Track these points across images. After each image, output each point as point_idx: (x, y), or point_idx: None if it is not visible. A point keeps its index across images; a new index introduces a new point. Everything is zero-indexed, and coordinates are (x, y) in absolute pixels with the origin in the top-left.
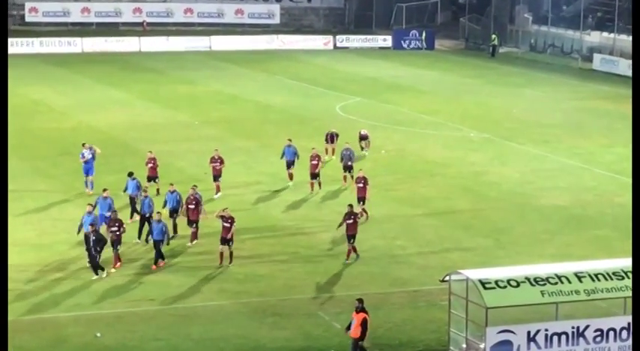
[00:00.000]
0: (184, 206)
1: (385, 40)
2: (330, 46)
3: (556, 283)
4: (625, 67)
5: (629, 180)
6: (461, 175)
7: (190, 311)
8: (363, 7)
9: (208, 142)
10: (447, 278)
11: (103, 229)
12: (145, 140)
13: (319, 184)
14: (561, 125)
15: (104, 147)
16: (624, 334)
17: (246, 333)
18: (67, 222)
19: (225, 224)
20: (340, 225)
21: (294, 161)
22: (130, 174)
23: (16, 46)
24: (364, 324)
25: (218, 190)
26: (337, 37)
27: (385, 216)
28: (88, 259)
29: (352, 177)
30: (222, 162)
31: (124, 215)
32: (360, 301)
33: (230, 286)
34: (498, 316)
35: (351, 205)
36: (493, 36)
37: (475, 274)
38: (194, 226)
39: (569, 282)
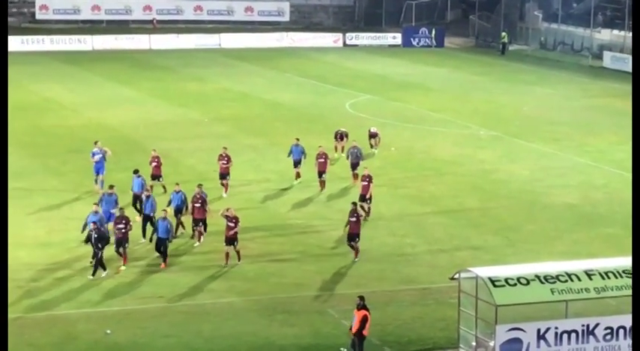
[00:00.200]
0: (190, 205)
1: (395, 38)
2: (340, 44)
3: (566, 281)
4: None
5: None
6: (470, 172)
7: (200, 308)
8: (372, 4)
9: (218, 139)
10: (457, 276)
11: (109, 226)
12: (154, 138)
13: (324, 183)
14: (571, 123)
15: (114, 144)
16: None
17: (256, 330)
18: (76, 220)
19: (230, 224)
20: (347, 224)
21: (300, 160)
22: (136, 171)
23: (26, 43)
24: (364, 321)
25: (226, 188)
26: (347, 34)
27: (395, 214)
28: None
29: (357, 175)
30: (229, 160)
31: (130, 213)
32: (362, 298)
33: (240, 283)
34: (508, 314)
35: (354, 203)
36: (503, 34)
37: (485, 271)
38: (200, 224)
39: (579, 280)
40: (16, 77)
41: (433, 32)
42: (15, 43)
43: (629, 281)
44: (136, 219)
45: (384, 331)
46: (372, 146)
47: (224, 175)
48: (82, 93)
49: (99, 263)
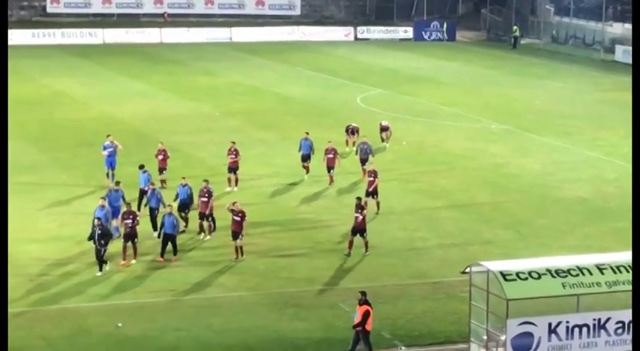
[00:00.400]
0: (197, 199)
1: (406, 32)
2: (351, 38)
3: (577, 275)
4: None
5: None
6: (481, 166)
7: (211, 302)
8: None
9: (229, 133)
10: (468, 270)
11: (116, 221)
12: (165, 131)
13: (332, 178)
14: (583, 117)
15: (125, 138)
16: None
17: (266, 324)
18: (87, 214)
19: (236, 218)
20: (364, 219)
21: (309, 155)
22: (141, 167)
23: (37, 37)
24: (366, 316)
25: (236, 182)
26: (358, 28)
27: (406, 208)
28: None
29: (365, 170)
30: (237, 154)
31: (136, 208)
32: (363, 293)
33: (250, 277)
34: (519, 308)
35: (359, 198)
36: (515, 27)
37: (496, 265)
38: (210, 219)
39: (591, 274)
40: (27, 71)
41: (445, 26)
42: (26, 37)
43: None
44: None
45: (395, 325)
46: (383, 140)
47: (233, 169)
48: (93, 86)
49: (101, 260)
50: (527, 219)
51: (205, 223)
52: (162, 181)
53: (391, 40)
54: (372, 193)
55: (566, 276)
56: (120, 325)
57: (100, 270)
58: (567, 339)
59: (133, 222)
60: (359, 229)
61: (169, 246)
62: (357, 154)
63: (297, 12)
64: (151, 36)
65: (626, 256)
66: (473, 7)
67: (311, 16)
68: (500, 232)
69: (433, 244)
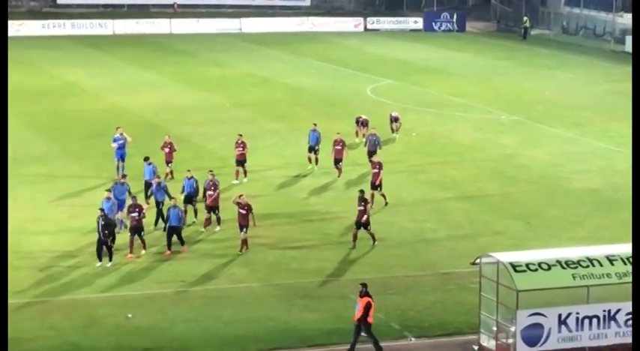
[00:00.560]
0: (203, 192)
1: (416, 22)
2: (361, 29)
3: (587, 266)
4: None
5: None
6: (491, 158)
7: (221, 293)
8: None
9: (239, 124)
10: (478, 261)
11: (121, 214)
12: (176, 122)
13: (340, 170)
14: (593, 108)
15: (135, 129)
16: None
17: (276, 315)
18: (97, 205)
19: (242, 211)
20: (366, 212)
21: (314, 146)
22: (146, 159)
23: (47, 28)
24: (367, 308)
25: (245, 174)
26: (368, 19)
27: (416, 199)
28: (110, 244)
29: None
30: (245, 147)
31: (142, 201)
32: (364, 285)
33: (260, 268)
34: (529, 299)
35: (362, 191)
36: (525, 18)
37: (506, 257)
38: (216, 211)
39: (601, 265)
40: (38, 62)
41: (455, 17)
42: (36, 28)
43: None
44: (148, 206)
45: (405, 316)
46: (393, 131)
47: (241, 162)
48: (104, 77)
49: (99, 250)
50: (537, 210)
51: (214, 216)
52: (167, 174)
53: (401, 31)
54: (377, 186)
55: (576, 267)
56: (130, 316)
57: (100, 261)
58: (577, 330)
59: (139, 215)
60: (362, 222)
61: (175, 239)
62: (365, 145)
63: (307, 3)
64: (161, 27)
65: None
66: None
67: (321, 7)
68: (510, 224)
69: (443, 236)
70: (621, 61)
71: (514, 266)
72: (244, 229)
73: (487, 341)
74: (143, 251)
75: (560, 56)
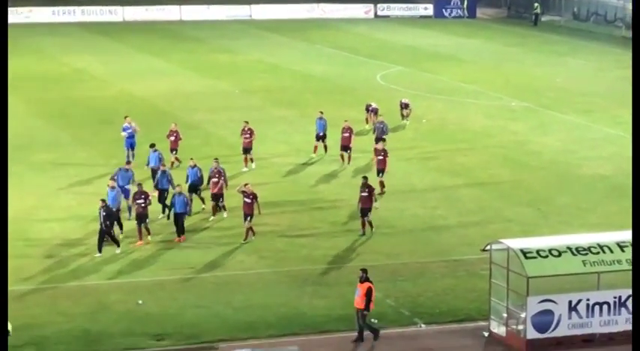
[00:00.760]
0: (210, 180)
1: (426, 9)
2: (371, 15)
3: (598, 253)
4: None
5: None
6: (502, 144)
7: (231, 279)
8: None
9: (249, 111)
10: (488, 248)
11: (125, 203)
12: (185, 109)
13: (349, 158)
14: (604, 94)
15: (145, 116)
16: None
17: (286, 301)
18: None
19: (247, 200)
20: (360, 199)
21: (321, 134)
22: (152, 145)
23: (57, 14)
24: (368, 294)
25: (252, 161)
26: (378, 5)
27: (426, 186)
28: (118, 231)
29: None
30: (252, 134)
31: (148, 187)
32: (364, 271)
33: (270, 255)
34: (539, 286)
35: (365, 177)
36: (536, 4)
37: (516, 243)
38: (221, 200)
39: (611, 251)
40: (48, 48)
41: (465, 3)
42: (46, 15)
43: None
44: (154, 194)
45: (416, 302)
46: (403, 117)
47: (247, 149)
48: (114, 64)
49: (100, 241)
50: (548, 197)
51: (220, 203)
52: (172, 162)
53: (411, 17)
54: (380, 171)
55: (586, 254)
56: (140, 302)
57: (100, 252)
58: (587, 317)
59: (145, 202)
60: (365, 208)
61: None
62: (374, 133)
63: None
64: (171, 13)
65: None
66: None
67: None
68: (520, 210)
69: (453, 222)
70: None
71: (524, 253)
72: (249, 218)
73: (497, 327)
74: (149, 237)
75: (571, 43)
